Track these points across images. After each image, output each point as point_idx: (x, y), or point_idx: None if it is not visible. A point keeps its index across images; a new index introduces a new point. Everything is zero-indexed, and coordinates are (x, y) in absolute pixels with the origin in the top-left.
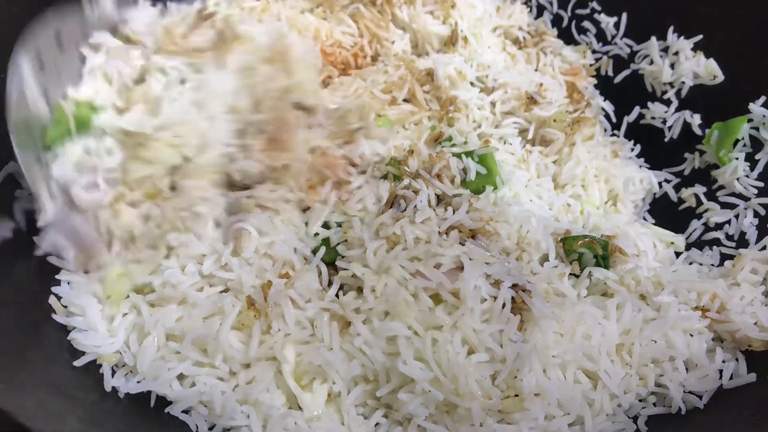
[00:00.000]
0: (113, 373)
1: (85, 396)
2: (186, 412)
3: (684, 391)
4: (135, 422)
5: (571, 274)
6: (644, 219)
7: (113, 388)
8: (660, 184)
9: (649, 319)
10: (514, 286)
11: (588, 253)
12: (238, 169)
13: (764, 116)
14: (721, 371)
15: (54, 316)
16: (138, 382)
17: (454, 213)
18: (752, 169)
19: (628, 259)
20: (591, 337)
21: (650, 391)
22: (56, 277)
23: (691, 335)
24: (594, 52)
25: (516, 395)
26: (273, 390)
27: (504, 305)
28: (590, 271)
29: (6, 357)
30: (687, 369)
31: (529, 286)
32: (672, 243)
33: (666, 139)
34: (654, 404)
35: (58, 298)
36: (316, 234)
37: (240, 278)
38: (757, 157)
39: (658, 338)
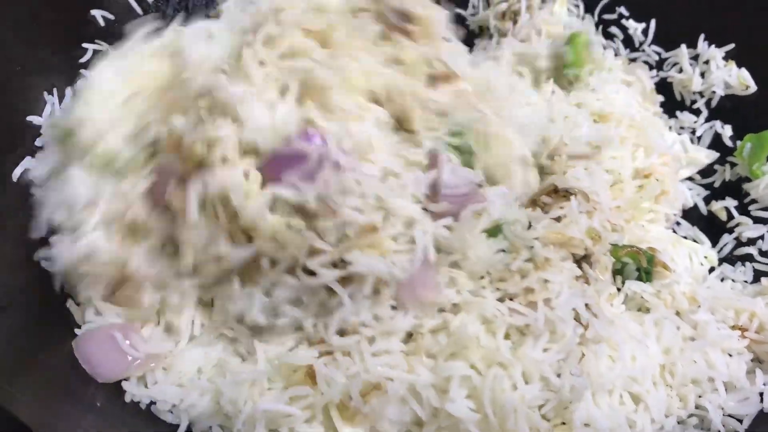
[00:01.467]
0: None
1: (103, 405)
2: None
3: (723, 414)
4: None
5: None
6: (674, 232)
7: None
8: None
9: (687, 337)
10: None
11: (631, 265)
12: None
13: None
14: (761, 394)
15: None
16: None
17: None
18: None
19: (669, 274)
20: (636, 359)
21: (690, 413)
22: None
23: (730, 355)
24: None
25: (563, 423)
26: (312, 420)
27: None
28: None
29: (21, 364)
30: (726, 390)
31: (595, 309)
32: (706, 257)
33: None
34: (693, 427)
35: (77, 303)
36: None
37: None
38: None
39: (698, 358)
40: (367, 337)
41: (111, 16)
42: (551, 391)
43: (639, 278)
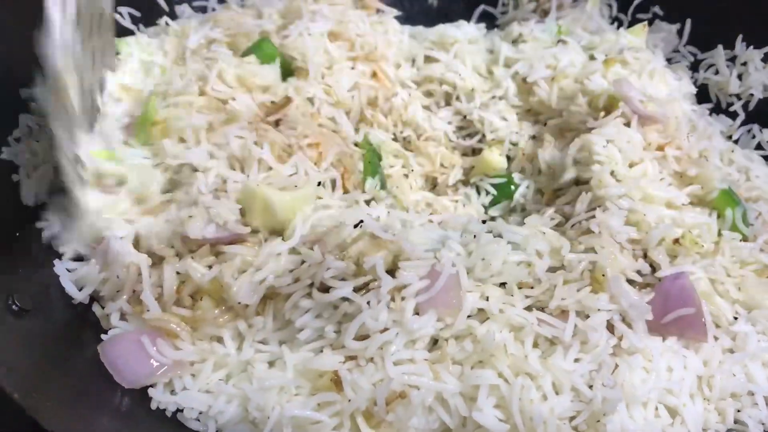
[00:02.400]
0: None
1: (128, 412)
2: None
3: (764, 430)
4: None
5: None
6: None
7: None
8: None
9: (726, 349)
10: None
11: None
12: None
13: None
14: None
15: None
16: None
17: None
18: None
19: None
20: (672, 370)
21: (728, 428)
22: None
23: None
24: None
25: None
26: (340, 428)
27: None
28: None
29: (44, 369)
30: (767, 405)
31: (632, 312)
32: None
33: None
34: None
35: (102, 306)
36: None
37: None
38: None
39: (737, 371)
40: (388, 342)
41: (137, 13)
42: (582, 402)
43: None
